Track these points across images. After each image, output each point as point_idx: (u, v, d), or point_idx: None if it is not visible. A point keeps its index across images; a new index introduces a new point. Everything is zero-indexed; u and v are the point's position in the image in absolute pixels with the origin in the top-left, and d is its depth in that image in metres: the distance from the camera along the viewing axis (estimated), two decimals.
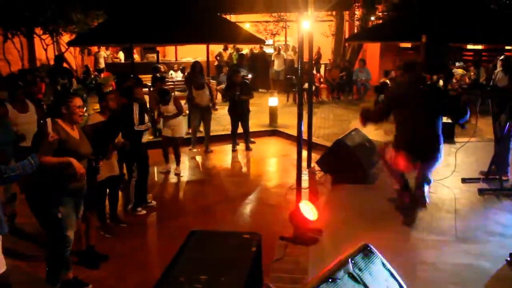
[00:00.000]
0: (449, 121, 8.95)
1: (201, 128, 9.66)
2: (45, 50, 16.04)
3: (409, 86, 5.13)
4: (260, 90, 17.01)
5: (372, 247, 2.74)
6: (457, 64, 14.44)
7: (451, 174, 6.28)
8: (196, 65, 10.05)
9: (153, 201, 6.65)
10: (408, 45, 16.77)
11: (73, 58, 18.18)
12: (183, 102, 8.69)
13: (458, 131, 8.79)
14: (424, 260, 4.27)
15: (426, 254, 4.40)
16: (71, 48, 16.58)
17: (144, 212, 6.38)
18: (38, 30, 15.21)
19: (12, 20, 13.64)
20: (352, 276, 2.52)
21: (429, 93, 5.12)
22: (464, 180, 6.40)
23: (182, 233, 4.08)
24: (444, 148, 7.81)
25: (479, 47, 16.70)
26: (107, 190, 5.66)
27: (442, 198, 5.74)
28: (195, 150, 9.56)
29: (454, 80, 12.70)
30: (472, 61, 15.28)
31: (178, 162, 8.04)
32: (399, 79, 5.35)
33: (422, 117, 4.98)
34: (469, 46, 16.35)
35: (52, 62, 15.80)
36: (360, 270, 2.57)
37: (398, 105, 5.08)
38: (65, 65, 14.70)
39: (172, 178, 7.92)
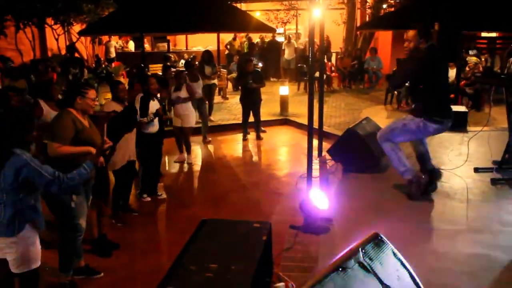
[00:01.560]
0: (462, 109, 8.93)
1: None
2: (57, 40, 16.12)
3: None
4: (271, 79, 16.95)
5: (383, 236, 2.72)
6: (470, 52, 14.24)
7: (464, 164, 6.24)
8: (204, 54, 10.04)
9: (163, 194, 6.67)
10: None
11: (84, 48, 18.24)
12: None
13: (471, 120, 8.70)
14: (435, 249, 4.25)
15: (437, 244, 4.37)
16: (82, 38, 16.65)
17: (149, 199, 6.44)
18: (50, 21, 15.29)
19: (24, 11, 13.70)
20: (362, 266, 2.51)
21: None
22: (476, 170, 6.33)
23: (193, 222, 4.10)
24: (456, 137, 7.82)
25: (494, 34, 16.43)
26: (122, 177, 5.70)
27: (454, 187, 5.69)
28: (209, 139, 9.58)
29: (467, 68, 12.53)
30: (487, 49, 15.05)
31: (188, 151, 8.07)
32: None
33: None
34: (483, 34, 16.09)
35: (63, 52, 15.92)
36: (370, 259, 2.56)
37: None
38: (76, 55, 14.78)
39: (183, 167, 7.95)
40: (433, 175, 5.52)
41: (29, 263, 3.49)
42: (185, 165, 8.00)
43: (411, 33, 5.14)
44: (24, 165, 3.26)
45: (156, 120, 6.38)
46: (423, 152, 5.56)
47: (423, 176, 5.35)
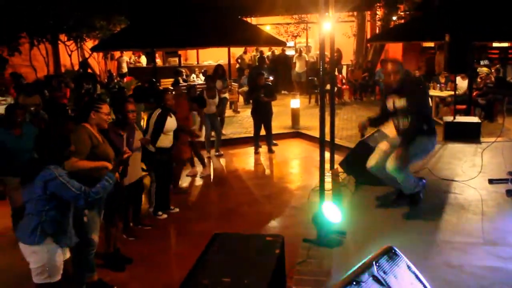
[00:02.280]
0: (475, 120, 8.86)
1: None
2: (70, 56, 16.35)
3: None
4: (282, 92, 17.00)
5: (397, 249, 2.70)
6: (482, 62, 14.18)
7: (478, 175, 6.17)
8: (217, 68, 10.10)
9: (175, 208, 6.65)
10: (431, 44, 16.53)
11: (97, 63, 18.47)
12: None
13: (484, 131, 8.63)
14: (450, 262, 4.19)
15: (452, 257, 4.31)
16: (95, 54, 16.85)
17: (165, 216, 6.42)
18: (63, 37, 15.53)
19: (38, 28, 13.95)
20: (376, 279, 2.48)
21: None
22: (491, 181, 6.25)
23: (205, 235, 4.09)
24: (470, 148, 7.76)
25: (505, 44, 16.37)
26: (132, 193, 5.71)
27: (469, 199, 5.63)
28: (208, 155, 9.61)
29: (479, 79, 12.47)
30: (498, 59, 14.98)
31: (203, 164, 8.09)
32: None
33: None
34: (495, 44, 16.04)
35: (76, 68, 16.13)
36: (384, 272, 2.53)
37: None
38: (89, 70, 14.96)
39: (196, 181, 7.96)
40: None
41: (47, 276, 3.56)
42: (197, 179, 8.01)
43: (390, 66, 5.14)
44: (51, 179, 3.38)
45: (171, 137, 6.36)
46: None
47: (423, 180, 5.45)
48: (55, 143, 3.51)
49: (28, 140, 5.31)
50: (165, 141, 6.27)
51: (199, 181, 7.97)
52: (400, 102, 5.08)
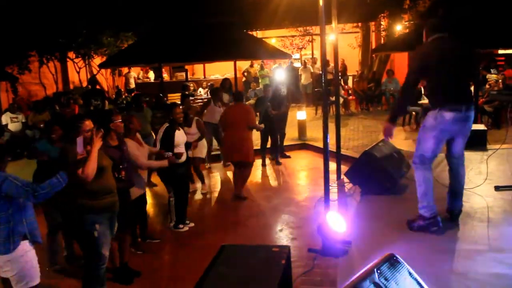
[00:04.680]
0: (481, 127, 8.86)
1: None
2: (78, 73, 16.60)
3: None
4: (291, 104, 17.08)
5: (398, 256, 2.74)
6: (492, 71, 14.18)
7: (484, 182, 6.18)
8: (224, 82, 10.21)
9: (191, 223, 6.65)
10: None
11: (105, 79, 18.70)
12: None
13: (491, 138, 8.63)
14: (455, 270, 4.20)
15: (457, 264, 4.32)
16: (103, 70, 17.07)
17: (186, 228, 6.46)
18: (71, 54, 15.77)
19: (48, 46, 14.21)
20: (378, 286, 2.52)
21: None
22: (497, 188, 6.26)
23: (212, 248, 4.13)
24: (476, 155, 7.75)
25: (511, 51, 16.37)
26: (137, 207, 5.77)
27: (474, 206, 5.63)
28: (208, 166, 9.68)
29: (487, 86, 12.47)
30: (504, 66, 14.97)
31: (202, 181, 8.07)
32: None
33: None
34: (500, 51, 16.04)
35: (84, 84, 16.36)
36: (386, 279, 2.57)
37: None
38: (98, 87, 15.17)
39: (202, 195, 8.01)
40: (451, 216, 5.19)
41: (27, 280, 3.75)
42: (200, 195, 8.00)
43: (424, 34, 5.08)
44: (3, 181, 3.63)
45: (183, 150, 6.43)
46: (457, 188, 5.16)
47: (439, 225, 4.91)
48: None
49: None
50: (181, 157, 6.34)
51: (204, 195, 8.02)
52: None
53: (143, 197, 5.81)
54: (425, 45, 4.97)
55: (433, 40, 4.89)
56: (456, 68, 4.79)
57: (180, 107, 6.77)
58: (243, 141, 7.60)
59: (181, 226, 6.43)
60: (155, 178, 6.46)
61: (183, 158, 6.35)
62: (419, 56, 4.97)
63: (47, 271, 5.20)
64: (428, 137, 4.90)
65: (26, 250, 3.75)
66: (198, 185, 8.22)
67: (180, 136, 6.35)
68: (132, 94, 16.87)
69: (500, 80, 12.45)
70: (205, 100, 14.56)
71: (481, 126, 8.97)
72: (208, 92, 10.73)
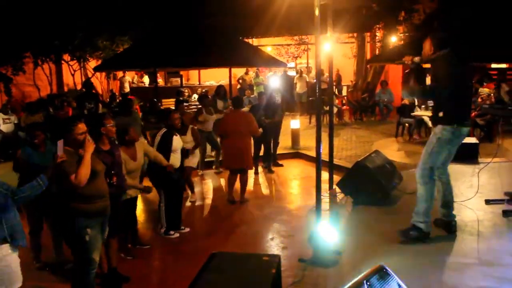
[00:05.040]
0: (473, 141, 8.92)
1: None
2: (73, 75, 16.56)
3: None
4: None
5: (388, 268, 2.75)
6: (485, 84, 14.29)
7: (475, 195, 6.21)
8: (219, 89, 10.22)
9: (186, 228, 6.64)
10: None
11: (99, 83, 18.67)
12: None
13: (483, 151, 8.68)
14: (445, 282, 4.21)
15: (447, 277, 4.33)
16: (97, 73, 17.06)
17: (177, 235, 6.42)
18: (66, 57, 15.74)
19: (43, 48, 14.17)
20: None
21: None
22: (488, 202, 6.29)
23: (203, 255, 4.13)
24: (467, 168, 7.80)
25: (504, 65, 16.51)
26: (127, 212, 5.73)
27: (465, 220, 5.65)
28: (201, 173, 9.64)
29: (479, 100, 12.54)
30: (497, 80, 15.09)
31: (192, 189, 8.00)
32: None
33: None
34: (493, 65, 16.18)
35: (79, 87, 16.32)
36: None
37: None
38: (94, 91, 15.12)
39: (191, 203, 7.96)
40: (447, 227, 5.28)
41: (3, 285, 3.69)
42: (188, 203, 7.94)
43: (426, 45, 5.09)
44: None
45: (178, 156, 6.42)
46: (450, 199, 5.26)
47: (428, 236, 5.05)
48: None
49: (50, 157, 5.48)
50: (174, 160, 6.33)
51: (199, 201, 8.00)
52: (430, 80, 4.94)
53: (133, 201, 5.78)
54: (447, 59, 4.90)
55: (450, 55, 4.89)
56: (470, 83, 4.88)
57: (178, 113, 6.75)
58: (245, 149, 7.73)
59: (171, 232, 6.40)
60: (147, 183, 6.41)
61: (176, 163, 6.34)
62: (449, 71, 4.90)
63: (36, 274, 5.17)
64: (443, 150, 4.95)
65: (5, 254, 3.68)
66: (188, 193, 8.18)
67: (177, 142, 6.35)
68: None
69: (492, 94, 12.53)
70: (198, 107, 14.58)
71: (473, 140, 9.02)
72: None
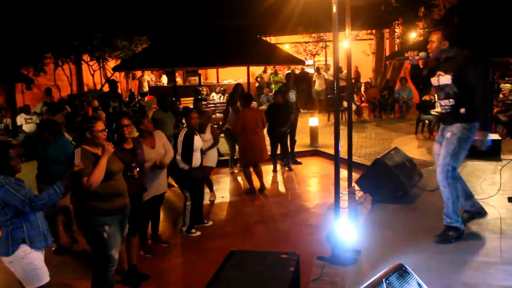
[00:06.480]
0: (496, 137, 8.76)
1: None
2: (92, 75, 16.77)
3: None
4: (301, 110, 17.03)
5: (407, 267, 2.71)
6: (506, 79, 14.04)
7: (497, 193, 6.10)
8: (238, 87, 10.22)
9: (209, 221, 6.77)
10: None
11: (119, 82, 18.86)
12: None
13: (505, 148, 8.53)
14: (466, 282, 4.14)
15: (468, 276, 4.26)
16: (116, 73, 17.23)
17: (199, 233, 6.46)
18: (86, 57, 15.95)
19: (63, 49, 14.38)
20: None
21: None
22: (510, 199, 6.18)
23: (221, 253, 4.15)
24: (489, 165, 7.67)
25: None
26: (151, 208, 5.77)
27: (487, 218, 5.55)
28: (235, 171, 9.70)
29: (501, 95, 12.34)
30: None
31: (211, 188, 8.02)
32: None
33: None
34: None
35: (98, 87, 16.51)
36: None
37: None
38: (119, 90, 15.28)
39: (210, 202, 7.98)
40: (478, 214, 5.33)
41: (32, 282, 3.82)
42: (207, 201, 7.93)
43: (435, 34, 5.01)
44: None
45: (199, 155, 6.46)
46: (468, 189, 5.22)
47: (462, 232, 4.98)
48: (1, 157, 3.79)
49: (55, 152, 5.57)
50: (195, 159, 6.37)
51: (218, 199, 8.03)
52: (445, 78, 4.81)
53: (159, 198, 5.82)
54: (469, 57, 4.77)
55: (473, 53, 4.79)
56: (491, 79, 4.73)
57: (196, 112, 6.75)
58: (262, 143, 8.38)
59: (193, 231, 6.43)
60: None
61: (197, 162, 6.39)
62: (484, 69, 4.88)
63: (57, 270, 5.24)
64: (464, 149, 4.86)
65: (27, 253, 3.78)
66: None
67: (197, 141, 6.39)
68: (146, 98, 16.98)
69: None
70: (218, 105, 14.55)
71: (495, 136, 8.87)
72: (226, 100, 10.72)
